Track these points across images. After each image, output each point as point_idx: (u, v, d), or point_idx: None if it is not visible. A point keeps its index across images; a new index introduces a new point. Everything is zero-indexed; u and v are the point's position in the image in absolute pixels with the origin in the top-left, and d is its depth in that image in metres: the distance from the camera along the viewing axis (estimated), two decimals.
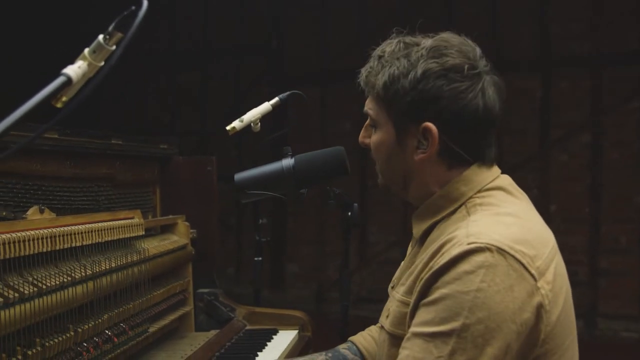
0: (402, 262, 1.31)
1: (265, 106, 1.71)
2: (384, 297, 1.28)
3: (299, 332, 1.96)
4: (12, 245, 1.14)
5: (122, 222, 1.56)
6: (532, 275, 1.00)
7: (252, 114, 1.69)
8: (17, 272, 1.18)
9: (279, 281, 6.03)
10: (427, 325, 1.00)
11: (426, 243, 1.13)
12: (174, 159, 2.07)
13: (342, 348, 1.44)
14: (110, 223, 1.50)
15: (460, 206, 1.11)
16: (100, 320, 1.42)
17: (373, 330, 1.49)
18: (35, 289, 1.19)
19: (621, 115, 5.16)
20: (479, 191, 1.11)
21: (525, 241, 1.02)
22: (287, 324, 2.00)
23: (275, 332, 1.93)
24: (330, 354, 1.41)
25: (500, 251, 0.99)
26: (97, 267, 1.41)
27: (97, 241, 1.42)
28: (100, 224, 1.45)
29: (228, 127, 1.67)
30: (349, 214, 1.83)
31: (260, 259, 2.22)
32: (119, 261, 1.51)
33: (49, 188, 1.45)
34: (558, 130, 5.32)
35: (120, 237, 1.53)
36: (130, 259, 1.57)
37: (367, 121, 1.18)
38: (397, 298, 1.14)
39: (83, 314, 1.37)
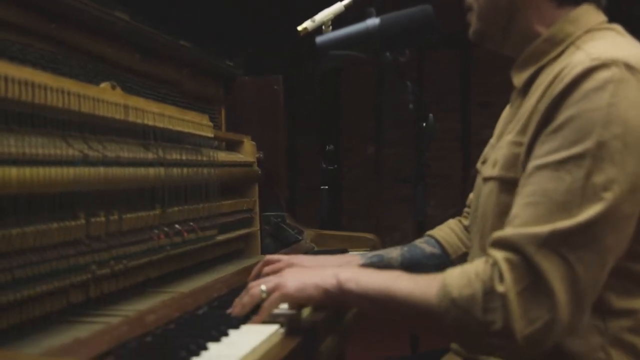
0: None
1: (338, 6, 1.63)
2: None
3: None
4: (87, 100, 1.09)
5: (193, 118, 1.51)
6: None
7: (325, 14, 1.62)
8: (95, 136, 1.13)
9: None
10: (554, 153, 0.91)
11: (532, 88, 1.03)
12: (239, 79, 2.01)
13: (419, 242, 1.37)
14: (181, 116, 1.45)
15: (567, 47, 1.01)
16: (171, 210, 1.37)
17: (451, 223, 1.41)
18: (113, 155, 1.14)
19: None
20: (588, 31, 1.02)
21: None
22: (357, 245, 1.92)
23: (345, 251, 1.85)
24: (406, 248, 1.34)
25: (628, 66, 0.90)
26: (168, 154, 1.36)
27: (168, 127, 1.36)
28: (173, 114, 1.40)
29: (299, 28, 1.60)
30: (424, 124, 1.74)
31: (326, 187, 2.15)
32: (189, 156, 1.46)
33: (119, 76, 1.40)
34: None
35: (191, 131, 1.47)
36: (199, 158, 1.51)
37: None
38: (507, 141, 1.05)
39: (155, 200, 1.32)
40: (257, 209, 1.92)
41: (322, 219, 2.15)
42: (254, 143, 1.93)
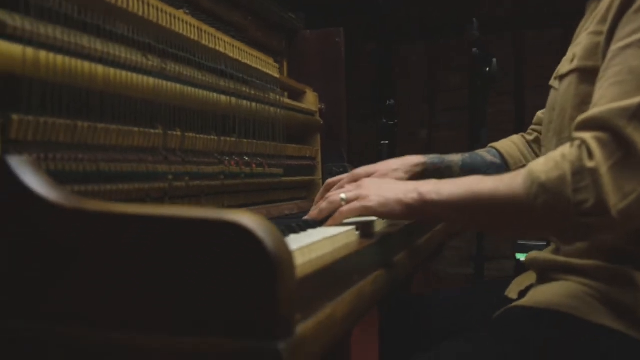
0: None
1: None
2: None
3: None
4: (165, 15, 1.11)
5: (260, 56, 1.52)
6: None
7: None
8: (171, 51, 1.15)
9: None
10: (638, 32, 0.89)
11: None
12: (301, 33, 2.03)
13: (481, 151, 1.38)
14: (250, 52, 1.47)
15: None
16: (240, 141, 1.39)
17: (514, 137, 1.42)
18: (188, 74, 1.17)
19: None
20: None
21: None
22: None
23: None
24: (467, 155, 1.36)
25: None
26: (239, 86, 1.38)
27: (238, 58, 1.38)
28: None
29: None
30: (487, 69, 1.72)
31: (386, 142, 2.15)
32: (257, 92, 1.47)
33: (189, 7, 1.43)
34: None
35: (258, 67, 1.49)
36: (267, 96, 1.53)
37: None
38: (587, 33, 1.03)
39: (226, 128, 1.34)
40: (319, 158, 1.93)
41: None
42: (316, 94, 1.94)
